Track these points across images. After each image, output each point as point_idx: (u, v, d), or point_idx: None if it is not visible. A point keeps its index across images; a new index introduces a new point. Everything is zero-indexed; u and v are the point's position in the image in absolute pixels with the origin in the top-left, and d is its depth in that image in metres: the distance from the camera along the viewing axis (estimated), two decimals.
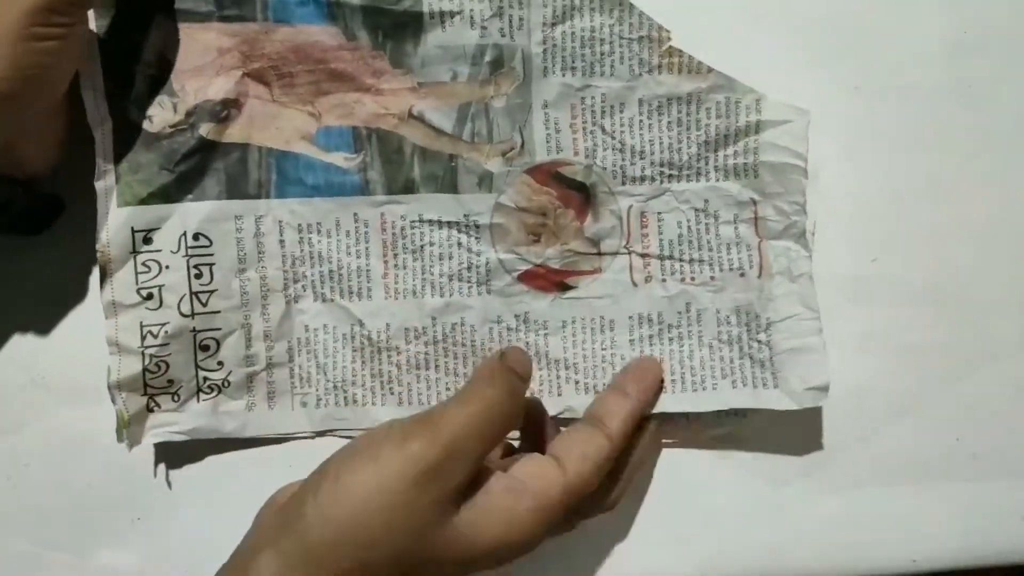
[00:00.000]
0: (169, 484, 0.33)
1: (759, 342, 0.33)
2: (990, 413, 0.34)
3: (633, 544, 0.34)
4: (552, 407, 0.33)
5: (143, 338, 0.31)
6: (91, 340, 0.32)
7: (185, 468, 0.33)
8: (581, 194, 0.33)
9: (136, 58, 0.31)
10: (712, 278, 0.33)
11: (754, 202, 0.33)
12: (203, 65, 0.31)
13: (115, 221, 0.31)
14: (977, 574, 0.34)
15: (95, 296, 0.33)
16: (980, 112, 0.34)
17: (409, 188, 0.32)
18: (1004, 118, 0.34)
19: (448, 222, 0.33)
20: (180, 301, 0.31)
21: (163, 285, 0.31)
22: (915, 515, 0.34)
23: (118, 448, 0.31)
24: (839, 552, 0.34)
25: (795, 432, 0.34)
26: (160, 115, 0.31)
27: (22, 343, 0.33)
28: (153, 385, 0.31)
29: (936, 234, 0.34)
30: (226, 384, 0.32)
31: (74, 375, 0.33)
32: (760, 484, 0.33)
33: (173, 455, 0.33)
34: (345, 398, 0.33)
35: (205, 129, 0.31)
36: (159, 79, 0.31)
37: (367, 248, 0.33)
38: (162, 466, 0.33)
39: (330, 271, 0.33)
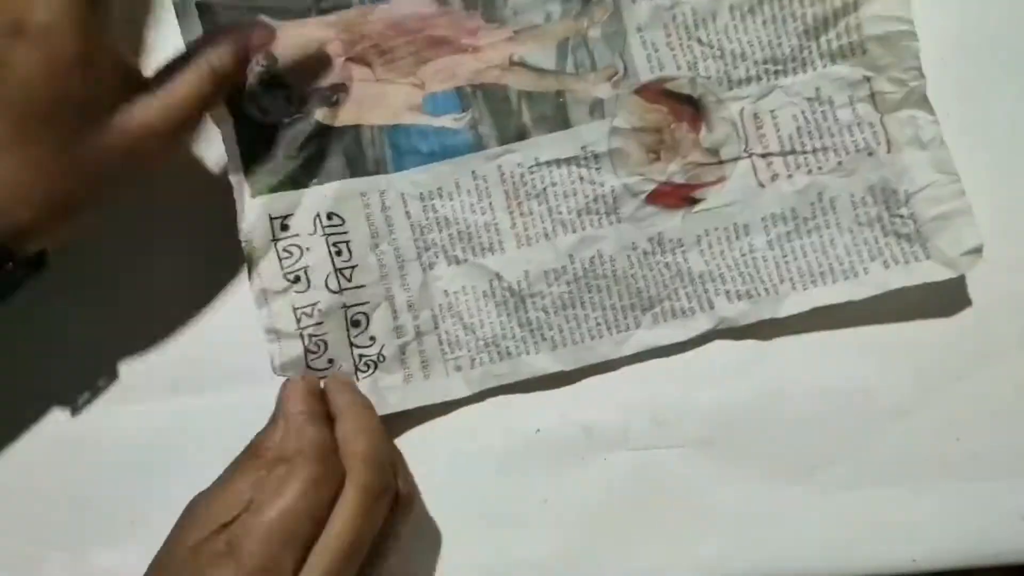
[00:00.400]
0: (167, 480, 0.32)
1: (901, 217, 0.32)
2: (990, 413, 0.33)
3: (633, 544, 0.33)
4: (707, 322, 0.33)
5: (298, 320, 0.31)
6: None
7: (185, 469, 0.31)
8: (691, 106, 0.33)
9: (245, 59, 0.32)
10: (840, 163, 0.33)
11: (867, 79, 0.32)
12: (308, 56, 0.32)
13: (252, 212, 0.31)
14: (977, 574, 0.33)
15: (96, 296, 0.33)
16: (980, 112, 0.34)
17: (522, 134, 0.33)
18: (1004, 118, 0.34)
19: (566, 159, 0.33)
20: (327, 279, 0.32)
21: (308, 266, 0.32)
22: (915, 515, 0.33)
23: (118, 448, 0.31)
24: (839, 552, 0.33)
25: (795, 431, 0.33)
26: (276, 107, 0.32)
27: (23, 343, 0.34)
28: (315, 367, 0.32)
29: None
30: (381, 359, 0.33)
31: (75, 375, 0.33)
32: (760, 484, 0.33)
33: (174, 456, 0.33)
34: (499, 353, 0.33)
35: (320, 115, 0.32)
36: (269, 74, 0.32)
37: (491, 203, 0.33)
38: (162, 466, 0.33)
39: (459, 232, 0.33)
